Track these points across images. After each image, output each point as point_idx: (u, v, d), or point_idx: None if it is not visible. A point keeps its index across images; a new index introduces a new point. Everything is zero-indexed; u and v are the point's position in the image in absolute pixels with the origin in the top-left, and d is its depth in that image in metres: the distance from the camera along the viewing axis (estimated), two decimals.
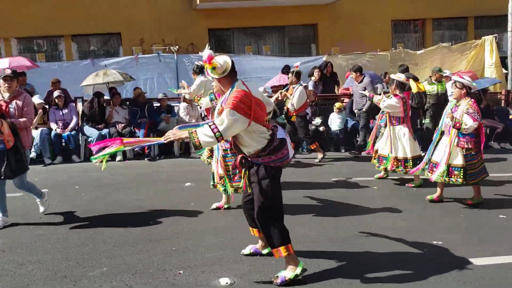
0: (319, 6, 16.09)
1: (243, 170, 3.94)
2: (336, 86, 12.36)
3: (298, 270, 3.88)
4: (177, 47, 13.96)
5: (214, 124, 3.67)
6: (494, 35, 14.01)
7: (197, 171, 8.24)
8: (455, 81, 6.12)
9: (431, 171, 6.15)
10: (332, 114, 10.85)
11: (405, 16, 17.04)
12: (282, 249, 3.88)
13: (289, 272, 3.88)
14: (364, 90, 9.67)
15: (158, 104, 10.72)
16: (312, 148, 9.53)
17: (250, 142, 3.85)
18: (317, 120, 10.75)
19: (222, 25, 15.95)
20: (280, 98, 8.94)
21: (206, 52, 3.84)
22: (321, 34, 16.42)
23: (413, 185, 7.07)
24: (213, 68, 3.83)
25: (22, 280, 3.97)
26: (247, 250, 4.41)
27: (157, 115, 10.39)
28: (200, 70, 7.31)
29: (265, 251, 4.36)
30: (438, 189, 6.25)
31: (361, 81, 9.83)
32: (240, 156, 3.91)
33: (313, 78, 12.06)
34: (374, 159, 7.44)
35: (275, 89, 12.69)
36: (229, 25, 15.97)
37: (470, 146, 5.91)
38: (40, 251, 4.64)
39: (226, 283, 3.87)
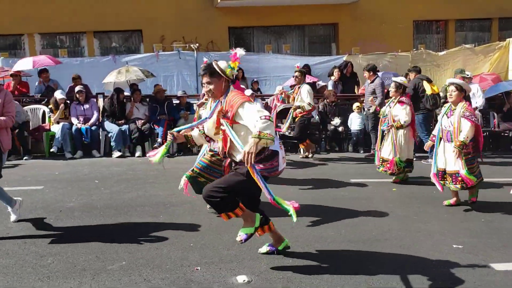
0: (340, 5, 15.99)
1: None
2: (356, 86, 12.29)
3: (257, 223, 4.09)
4: (197, 44, 14.04)
5: (263, 116, 3.64)
6: None
7: None
8: (452, 83, 5.94)
9: (450, 181, 5.94)
10: (352, 114, 10.79)
11: (427, 16, 16.82)
12: (230, 214, 4.04)
13: (247, 229, 4.08)
14: (374, 92, 9.59)
15: (178, 101, 10.79)
16: (303, 146, 9.42)
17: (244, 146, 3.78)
18: (337, 120, 10.69)
19: (242, 23, 15.97)
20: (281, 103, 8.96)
21: (241, 51, 3.94)
22: (342, 33, 16.32)
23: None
24: (232, 68, 3.90)
25: (42, 271, 4.03)
26: (264, 249, 4.40)
27: (176, 112, 10.45)
28: None
29: (280, 247, 4.35)
30: (453, 194, 6.16)
31: (373, 81, 9.75)
32: (229, 160, 3.97)
33: (332, 77, 12.02)
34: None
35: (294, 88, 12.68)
36: (249, 23, 15.98)
37: (469, 150, 5.83)
38: (60, 244, 4.70)
39: (244, 280, 3.86)
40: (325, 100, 10.96)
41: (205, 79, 3.96)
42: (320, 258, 4.33)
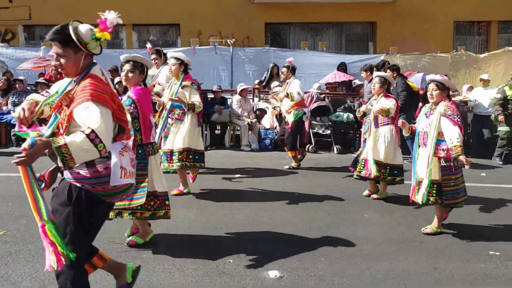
0: (379, 3, 15.80)
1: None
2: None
3: (128, 278, 3.34)
4: (233, 40, 14.09)
5: (93, 133, 2.48)
6: None
7: (247, 164, 8.36)
8: (432, 81, 4.93)
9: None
10: None
11: (468, 17, 16.42)
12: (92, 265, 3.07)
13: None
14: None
15: (212, 96, 10.86)
16: (291, 155, 8.25)
17: None
18: None
19: (279, 20, 15.97)
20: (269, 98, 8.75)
21: (113, 16, 2.76)
22: (380, 32, 16.11)
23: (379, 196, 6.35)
24: (97, 39, 2.75)
25: None
26: None
27: (210, 106, 10.52)
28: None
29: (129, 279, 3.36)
30: (436, 218, 5.10)
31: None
32: (55, 166, 2.72)
33: None
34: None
35: (330, 85, 12.59)
36: (286, 19, 15.96)
37: (447, 157, 4.78)
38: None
39: (275, 276, 3.87)
40: (361, 99, 10.83)
41: (55, 49, 2.71)
42: (353, 257, 4.31)
